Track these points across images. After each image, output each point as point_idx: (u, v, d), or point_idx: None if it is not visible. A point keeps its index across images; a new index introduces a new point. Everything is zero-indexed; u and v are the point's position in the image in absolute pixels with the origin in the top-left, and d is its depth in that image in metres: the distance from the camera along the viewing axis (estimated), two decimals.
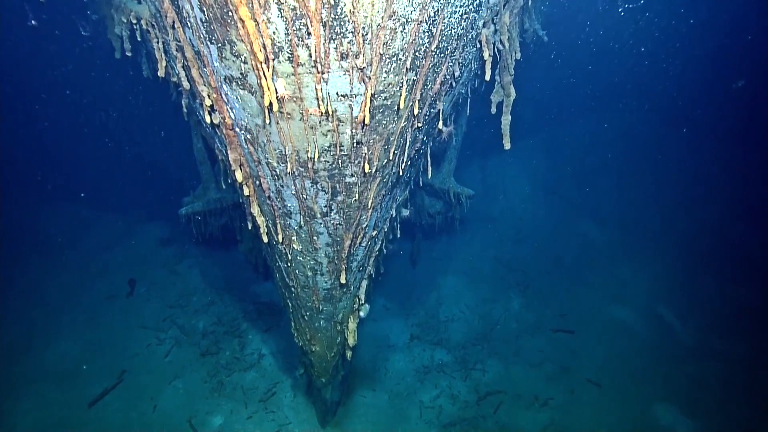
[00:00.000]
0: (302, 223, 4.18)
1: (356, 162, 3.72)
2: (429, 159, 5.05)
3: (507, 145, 4.86)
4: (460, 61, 4.08)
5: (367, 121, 3.35)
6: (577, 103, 16.21)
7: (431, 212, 9.31)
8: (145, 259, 10.90)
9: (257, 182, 4.03)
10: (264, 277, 10.69)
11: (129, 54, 4.86)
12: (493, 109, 5.06)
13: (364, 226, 4.38)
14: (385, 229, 5.06)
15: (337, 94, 3.23)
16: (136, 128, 11.85)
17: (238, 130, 3.73)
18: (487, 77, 4.39)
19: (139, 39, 4.62)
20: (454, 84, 4.32)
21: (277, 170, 3.79)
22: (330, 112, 3.31)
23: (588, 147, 15.03)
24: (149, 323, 9.13)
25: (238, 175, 3.96)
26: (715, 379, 8.42)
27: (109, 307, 9.49)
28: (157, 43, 3.94)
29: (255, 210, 4.28)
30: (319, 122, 3.39)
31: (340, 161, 3.66)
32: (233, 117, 3.65)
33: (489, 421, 7.69)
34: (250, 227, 4.65)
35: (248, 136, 3.67)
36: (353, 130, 3.46)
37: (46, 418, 7.15)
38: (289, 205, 4.06)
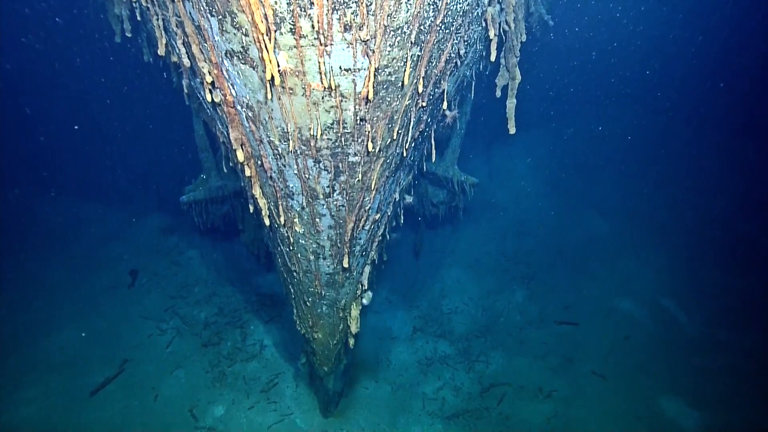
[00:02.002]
0: (304, 204, 4.11)
1: (359, 140, 3.65)
2: (433, 142, 4.98)
3: (512, 129, 4.78)
4: (466, 39, 4.01)
5: (370, 96, 3.28)
6: (584, 96, 16.11)
7: (435, 202, 9.23)
8: (147, 250, 10.87)
9: (259, 162, 3.97)
10: (266, 269, 10.64)
11: (129, 35, 4.79)
12: (498, 93, 4.98)
13: (367, 208, 4.31)
14: (389, 213, 4.99)
15: (340, 68, 3.16)
16: (137, 118, 11.81)
17: (239, 107, 3.66)
18: (493, 57, 4.31)
19: (138, 19, 4.56)
20: (459, 63, 4.24)
21: (279, 149, 3.72)
22: (333, 87, 3.24)
23: (593, 139, 14.92)
24: (151, 314, 9.09)
25: (240, 155, 3.89)
26: (721, 371, 8.33)
27: (111, 298, 9.46)
28: (157, 20, 3.87)
29: (257, 192, 4.21)
30: (322, 98, 3.32)
31: (343, 139, 3.59)
32: (234, 94, 3.59)
33: (493, 412, 7.63)
34: (251, 210, 4.59)
35: (250, 114, 3.61)
36: (356, 107, 3.39)
37: (48, 406, 7.13)
38: (291, 185, 3.99)
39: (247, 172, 4.05)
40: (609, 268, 10.83)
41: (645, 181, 13.37)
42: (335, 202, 4.07)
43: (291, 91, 3.29)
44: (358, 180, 3.93)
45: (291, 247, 4.61)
